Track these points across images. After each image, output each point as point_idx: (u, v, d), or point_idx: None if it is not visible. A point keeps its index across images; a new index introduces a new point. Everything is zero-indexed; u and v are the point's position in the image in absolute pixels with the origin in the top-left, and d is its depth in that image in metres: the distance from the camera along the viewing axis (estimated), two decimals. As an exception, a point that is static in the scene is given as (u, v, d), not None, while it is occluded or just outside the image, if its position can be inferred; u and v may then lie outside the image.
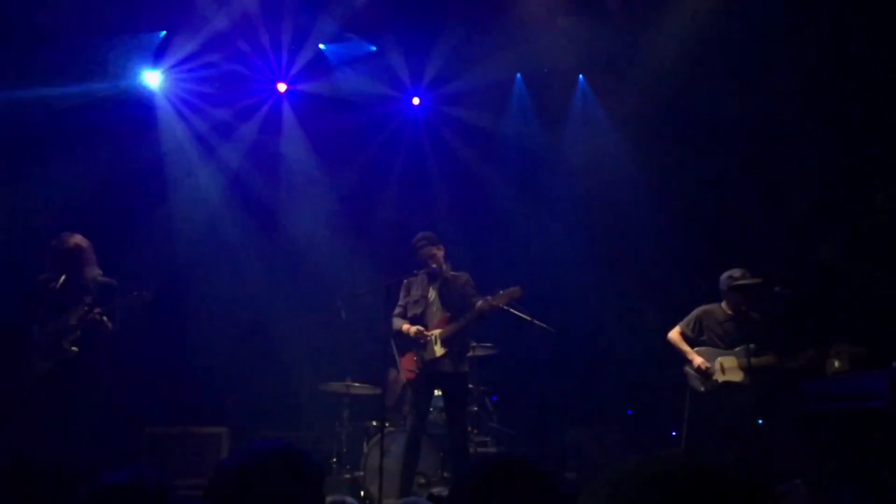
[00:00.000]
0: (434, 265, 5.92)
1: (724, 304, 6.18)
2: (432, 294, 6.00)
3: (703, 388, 6.01)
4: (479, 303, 5.75)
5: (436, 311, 5.95)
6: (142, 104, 7.91)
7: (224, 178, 8.18)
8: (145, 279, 6.06)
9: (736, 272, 6.09)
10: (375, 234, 8.23)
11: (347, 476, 6.63)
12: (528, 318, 6.54)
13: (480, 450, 6.61)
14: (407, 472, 5.76)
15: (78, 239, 5.39)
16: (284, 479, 1.68)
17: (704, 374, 5.98)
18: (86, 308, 5.17)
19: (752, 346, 5.83)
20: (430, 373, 5.86)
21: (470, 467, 1.77)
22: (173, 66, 7.82)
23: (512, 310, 6.22)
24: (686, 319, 6.25)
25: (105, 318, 5.16)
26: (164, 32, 7.59)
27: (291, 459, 1.71)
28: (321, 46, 8.16)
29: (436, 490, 5.57)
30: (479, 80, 8.28)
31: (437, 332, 5.86)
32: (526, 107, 8.88)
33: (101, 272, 5.45)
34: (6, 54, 6.92)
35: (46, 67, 7.06)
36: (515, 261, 8.29)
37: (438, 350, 5.82)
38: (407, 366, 6.02)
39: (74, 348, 5.16)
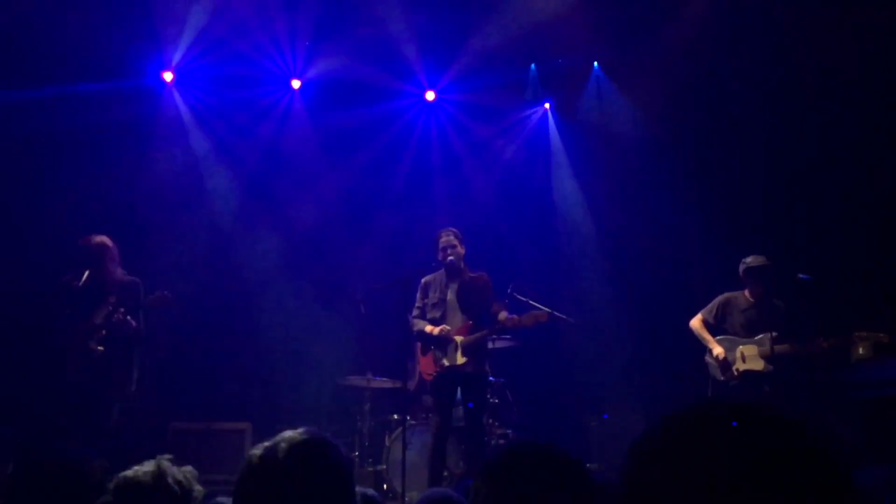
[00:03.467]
0: (451, 257, 5.89)
1: (746, 292, 6.13)
2: (451, 296, 5.96)
3: (722, 377, 5.99)
4: (505, 318, 5.75)
5: (455, 315, 5.91)
6: (159, 102, 7.98)
7: (243, 176, 8.20)
8: (168, 278, 6.10)
9: (749, 258, 6.05)
10: (394, 229, 8.22)
11: (370, 469, 6.66)
12: (548, 311, 6.51)
13: (502, 442, 6.59)
14: (434, 473, 5.74)
15: (102, 238, 5.44)
16: (316, 471, 1.67)
17: (722, 363, 5.95)
18: (111, 307, 5.21)
19: (774, 333, 5.78)
20: (452, 373, 5.85)
21: (501, 453, 1.71)
22: (187, 64, 7.87)
23: (532, 302, 6.18)
24: (708, 306, 6.21)
25: (129, 317, 5.20)
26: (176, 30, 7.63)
27: (323, 450, 1.70)
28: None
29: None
30: (494, 72, 8.26)
31: (458, 339, 5.84)
32: (541, 98, 8.85)
33: (125, 272, 5.50)
34: (23, 55, 6.98)
35: (65, 66, 7.12)
36: (534, 251, 8.26)
37: (460, 358, 5.81)
38: (426, 368, 5.99)
39: (100, 347, 5.20)
